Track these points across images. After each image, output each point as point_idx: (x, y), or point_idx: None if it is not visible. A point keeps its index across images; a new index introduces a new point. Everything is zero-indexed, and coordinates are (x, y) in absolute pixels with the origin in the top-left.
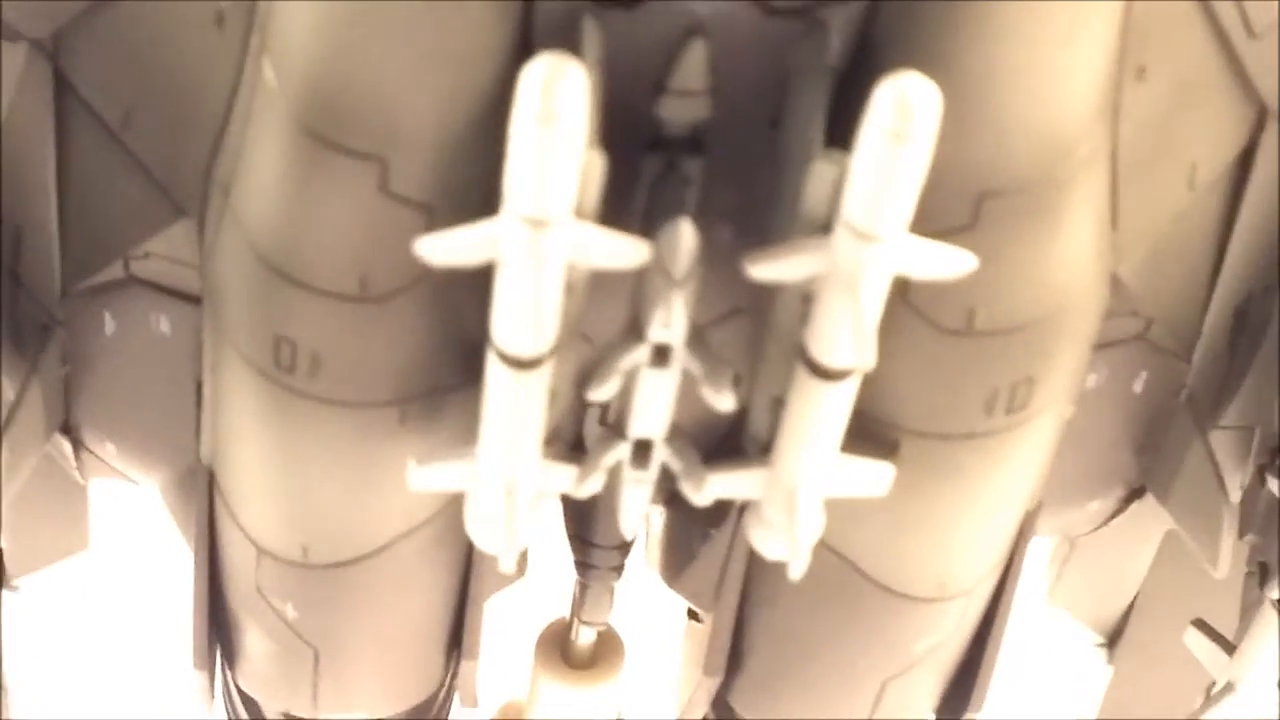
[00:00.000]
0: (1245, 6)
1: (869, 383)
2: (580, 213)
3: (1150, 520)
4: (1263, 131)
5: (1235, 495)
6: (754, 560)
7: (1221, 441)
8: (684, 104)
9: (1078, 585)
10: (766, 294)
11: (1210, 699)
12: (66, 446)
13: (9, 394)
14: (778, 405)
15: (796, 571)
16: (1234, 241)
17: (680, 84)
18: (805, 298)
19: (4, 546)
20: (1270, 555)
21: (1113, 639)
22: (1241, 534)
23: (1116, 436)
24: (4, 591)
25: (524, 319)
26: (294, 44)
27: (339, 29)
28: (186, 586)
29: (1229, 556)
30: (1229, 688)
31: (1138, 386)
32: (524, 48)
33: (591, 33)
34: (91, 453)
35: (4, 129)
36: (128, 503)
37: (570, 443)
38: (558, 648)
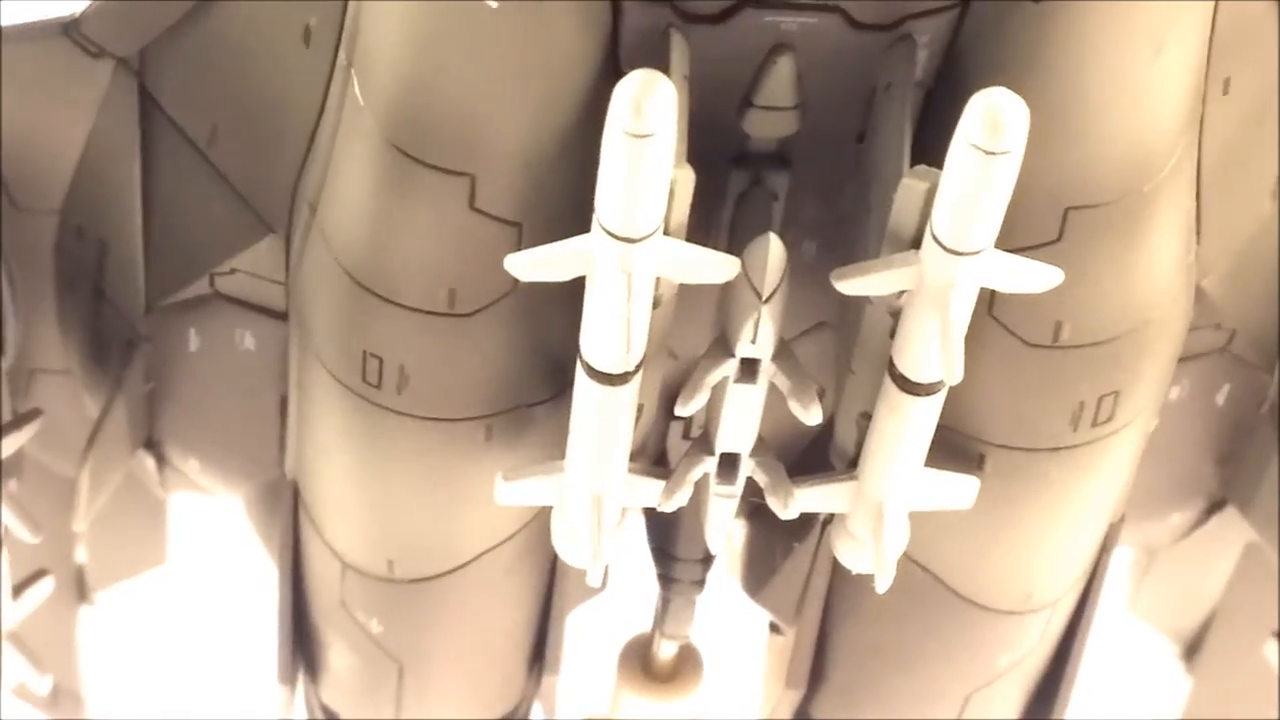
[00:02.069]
0: None
1: (954, 396)
2: (669, 228)
3: (1231, 532)
4: None
5: None
6: (838, 573)
7: None
8: (771, 119)
9: (1158, 597)
10: (853, 308)
11: None
12: (150, 462)
13: (94, 411)
14: (864, 419)
15: (883, 585)
16: None
17: (767, 99)
18: (892, 312)
19: (84, 562)
20: None
21: (1192, 650)
22: None
23: (1198, 449)
24: (83, 606)
25: (614, 334)
26: (382, 60)
27: (427, 46)
28: (267, 601)
29: None
30: None
31: (1220, 399)
32: (611, 64)
33: (679, 48)
34: (174, 468)
35: (89, 146)
36: (207, 517)
37: (654, 458)
38: (639, 661)
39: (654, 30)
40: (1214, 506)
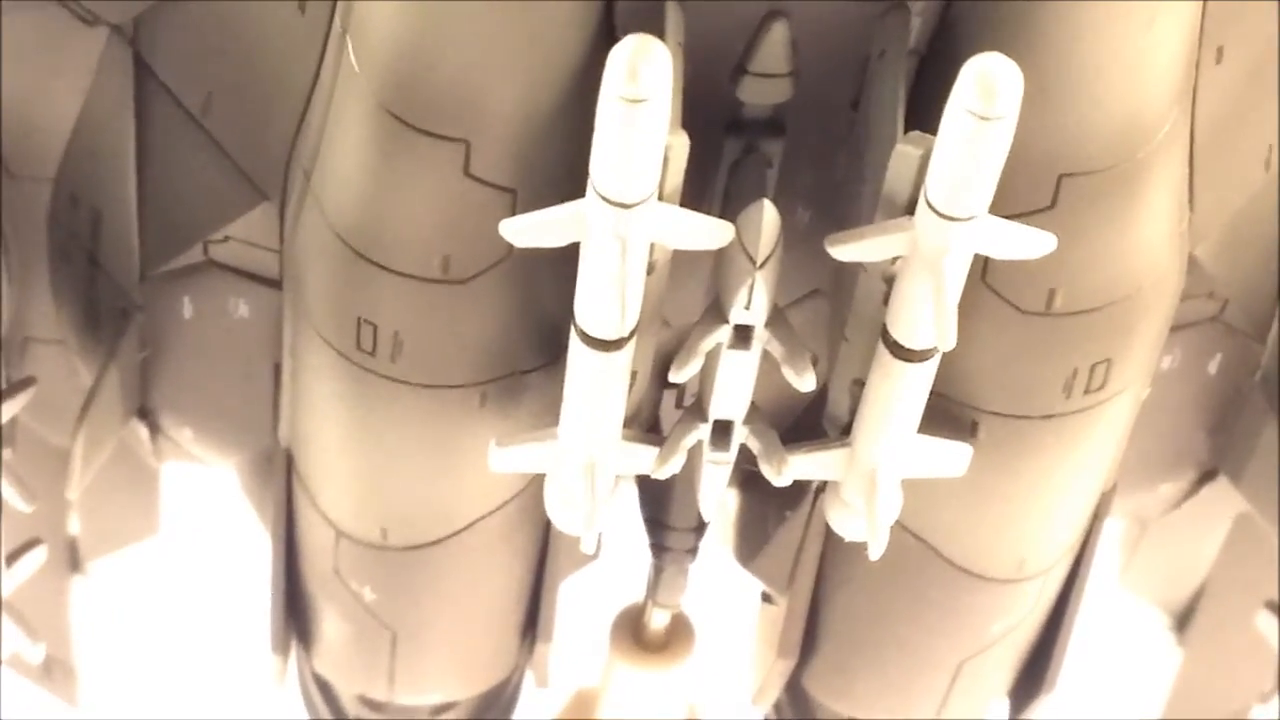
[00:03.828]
0: None
1: (947, 363)
2: (663, 194)
3: (1222, 502)
4: None
5: None
6: (830, 542)
7: None
8: (765, 86)
9: (1149, 568)
10: (847, 275)
11: None
12: (143, 431)
13: (87, 380)
14: (857, 386)
15: (876, 552)
16: None
17: (761, 66)
18: (886, 279)
19: (77, 533)
20: None
21: (1183, 622)
22: None
23: (1190, 418)
24: (76, 576)
25: (608, 300)
26: (377, 27)
27: (423, 12)
28: (261, 570)
29: None
30: None
31: (1212, 368)
32: (606, 30)
33: (674, 16)
34: (168, 437)
35: (83, 114)
36: (200, 487)
37: (647, 425)
38: (632, 631)
39: (644, 14)
40: (1205, 477)
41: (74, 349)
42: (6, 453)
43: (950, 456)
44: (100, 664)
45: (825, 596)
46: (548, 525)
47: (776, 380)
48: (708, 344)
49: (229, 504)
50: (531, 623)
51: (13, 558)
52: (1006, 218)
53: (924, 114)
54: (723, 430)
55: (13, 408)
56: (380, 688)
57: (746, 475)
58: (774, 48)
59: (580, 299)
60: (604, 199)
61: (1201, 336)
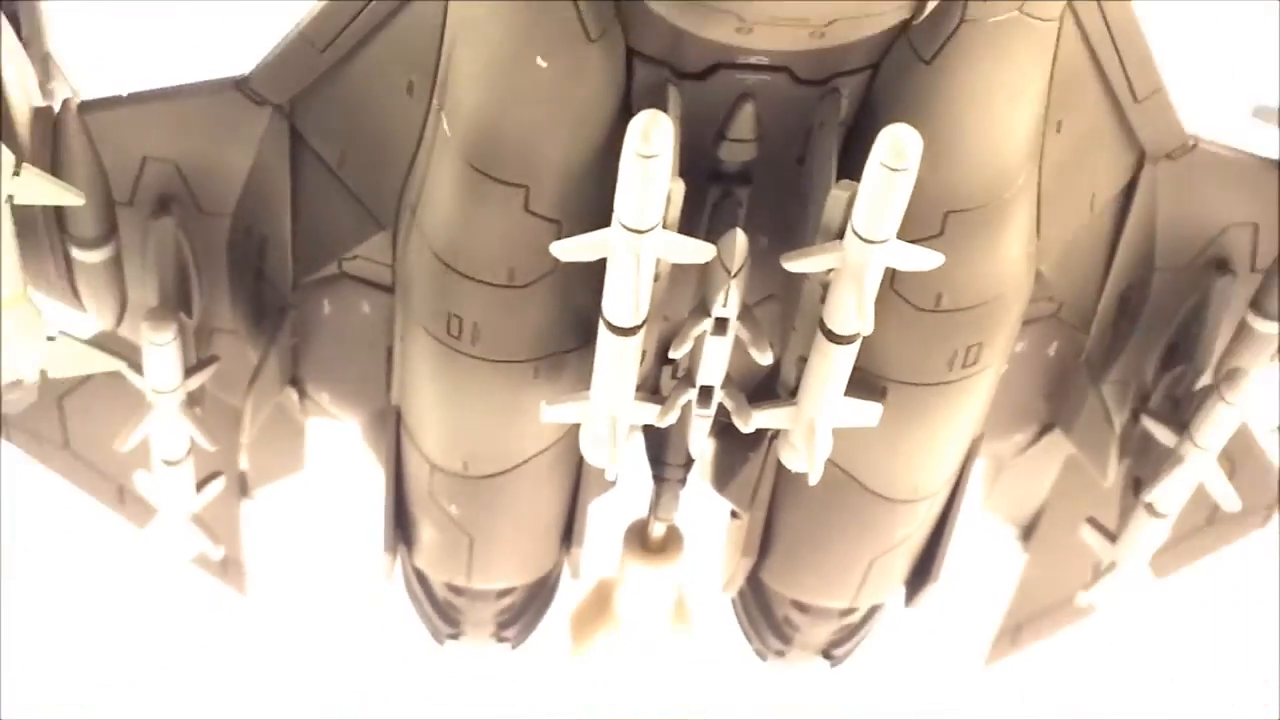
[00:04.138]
0: (1131, 78)
1: (865, 346)
2: (666, 224)
3: (1056, 448)
4: (1141, 170)
5: (1118, 429)
6: (781, 474)
7: (1109, 392)
8: (737, 149)
9: (1003, 495)
10: (795, 283)
11: (1098, 574)
12: (294, 395)
13: (254, 359)
14: (801, 362)
15: (813, 480)
16: (1120, 248)
17: (735, 134)
18: (823, 284)
19: (246, 468)
20: (1142, 472)
21: (1027, 534)
22: (1121, 457)
23: (1034, 387)
24: (245, 500)
25: (626, 299)
26: (463, 104)
27: (497, 94)
28: (376, 495)
29: (1114, 473)
30: (1111, 566)
31: (1051, 352)
32: (625, 106)
33: (673, 97)
34: (311, 399)
35: (254, 168)
36: (335, 435)
37: (651, 390)
38: (638, 538)
39: (656, 84)
40: (1044, 429)
41: (245, 337)
42: (198, 410)
43: (867, 413)
44: (262, 564)
45: (777, 513)
46: (580, 460)
47: (744, 358)
48: (696, 331)
49: (355, 447)
50: (568, 532)
51: (200, 485)
52: (908, 241)
53: (851, 167)
54: (706, 394)
55: (201, 378)
56: (461, 577)
57: (722, 426)
58: (744, 120)
59: (607, 298)
60: (624, 227)
61: (1043, 329)
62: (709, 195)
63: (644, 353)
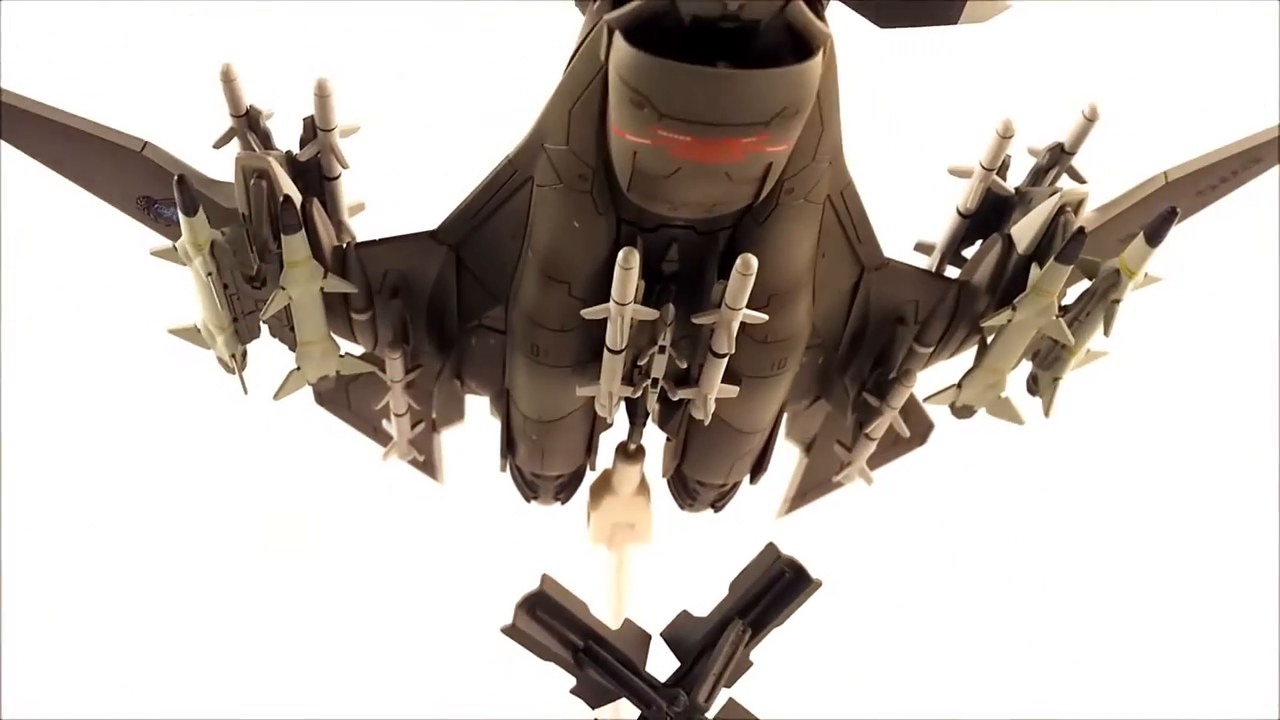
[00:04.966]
0: (857, 230)
1: (731, 359)
2: (635, 300)
3: (823, 407)
4: (863, 275)
5: (851, 398)
6: (690, 420)
7: (848, 380)
8: (669, 265)
9: (796, 429)
10: (698, 328)
11: (842, 468)
12: (458, 383)
13: (437, 367)
14: (699, 366)
15: (706, 422)
16: (853, 311)
17: (669, 257)
18: (712, 329)
19: (435, 418)
20: (863, 418)
21: (808, 449)
22: (852, 412)
23: (811, 378)
24: (436, 435)
25: (616, 335)
26: (539, 243)
27: (554, 239)
28: (495, 431)
29: (850, 419)
30: (848, 464)
31: (819, 361)
32: (616, 245)
33: (639, 241)
34: (466, 385)
35: (439, 275)
36: (477, 402)
37: (628, 380)
38: (623, 450)
39: (631, 234)
40: (815, 399)
41: (434, 356)
42: (411, 390)
43: (731, 391)
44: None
45: (689, 439)
46: (595, 413)
47: (673, 364)
48: (650, 352)
49: (484, 409)
50: (589, 447)
51: (413, 426)
52: (751, 309)
53: (724, 272)
54: (654, 382)
55: (412, 375)
56: (538, 469)
57: (662, 396)
58: (673, 251)
59: (607, 335)
60: (615, 302)
61: (815, 350)
62: (655, 287)
63: (625, 362)
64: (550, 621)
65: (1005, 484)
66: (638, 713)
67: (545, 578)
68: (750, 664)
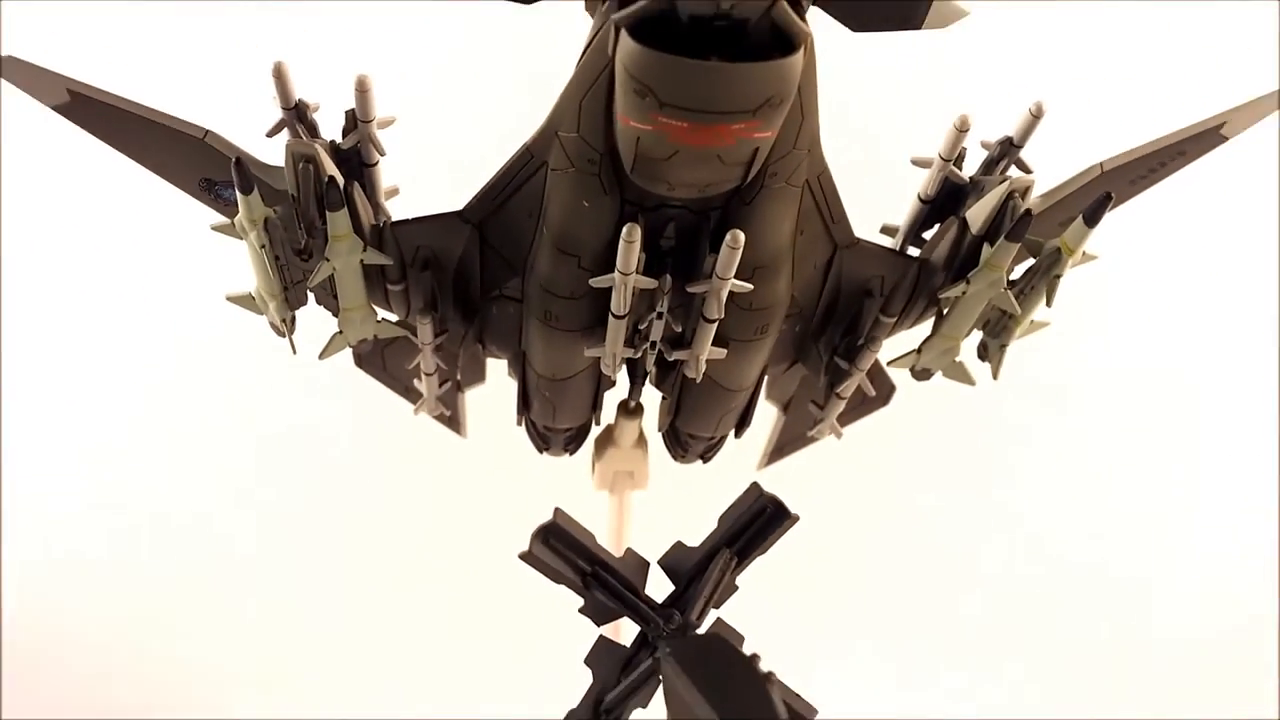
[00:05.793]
0: (832, 211)
1: (720, 324)
2: (636, 271)
3: (798, 370)
4: (836, 252)
5: (824, 362)
6: (684, 378)
7: (821, 346)
8: (667, 241)
9: (775, 390)
10: (692, 296)
11: (815, 424)
12: (480, 347)
13: (461, 333)
14: (693, 331)
15: (698, 380)
16: (826, 285)
17: (666, 234)
18: (704, 297)
19: (460, 378)
20: (834, 379)
21: (785, 408)
22: (825, 374)
23: (788, 344)
24: (460, 394)
25: (620, 302)
26: (552, 221)
27: (566, 216)
28: (512, 388)
29: (823, 380)
30: (819, 420)
31: (796, 329)
32: (620, 221)
33: (640, 219)
34: (487, 348)
35: (464, 249)
36: (497, 364)
37: (630, 342)
38: (624, 406)
39: (633, 212)
40: (793, 362)
41: (460, 323)
42: (440, 351)
43: (720, 353)
44: (469, 420)
45: (682, 395)
46: (600, 373)
47: (670, 328)
48: (650, 316)
49: (503, 369)
50: (595, 404)
51: (441, 384)
52: (738, 279)
53: (715, 247)
54: (653, 345)
55: (440, 339)
56: (550, 422)
57: (659, 357)
58: (670, 228)
59: (612, 301)
60: (620, 272)
61: (792, 319)
62: (654, 260)
63: (627, 327)
64: (561, 549)
65: (960, 440)
66: (638, 629)
67: (557, 510)
68: (736, 588)
